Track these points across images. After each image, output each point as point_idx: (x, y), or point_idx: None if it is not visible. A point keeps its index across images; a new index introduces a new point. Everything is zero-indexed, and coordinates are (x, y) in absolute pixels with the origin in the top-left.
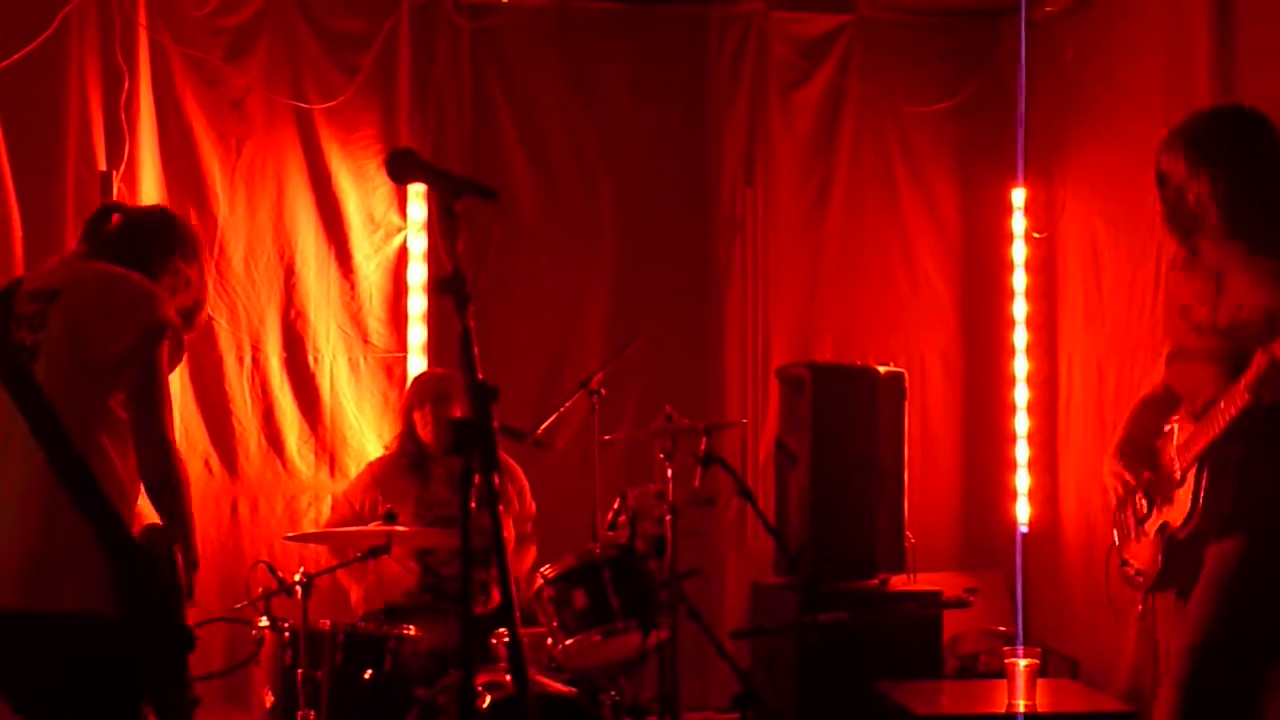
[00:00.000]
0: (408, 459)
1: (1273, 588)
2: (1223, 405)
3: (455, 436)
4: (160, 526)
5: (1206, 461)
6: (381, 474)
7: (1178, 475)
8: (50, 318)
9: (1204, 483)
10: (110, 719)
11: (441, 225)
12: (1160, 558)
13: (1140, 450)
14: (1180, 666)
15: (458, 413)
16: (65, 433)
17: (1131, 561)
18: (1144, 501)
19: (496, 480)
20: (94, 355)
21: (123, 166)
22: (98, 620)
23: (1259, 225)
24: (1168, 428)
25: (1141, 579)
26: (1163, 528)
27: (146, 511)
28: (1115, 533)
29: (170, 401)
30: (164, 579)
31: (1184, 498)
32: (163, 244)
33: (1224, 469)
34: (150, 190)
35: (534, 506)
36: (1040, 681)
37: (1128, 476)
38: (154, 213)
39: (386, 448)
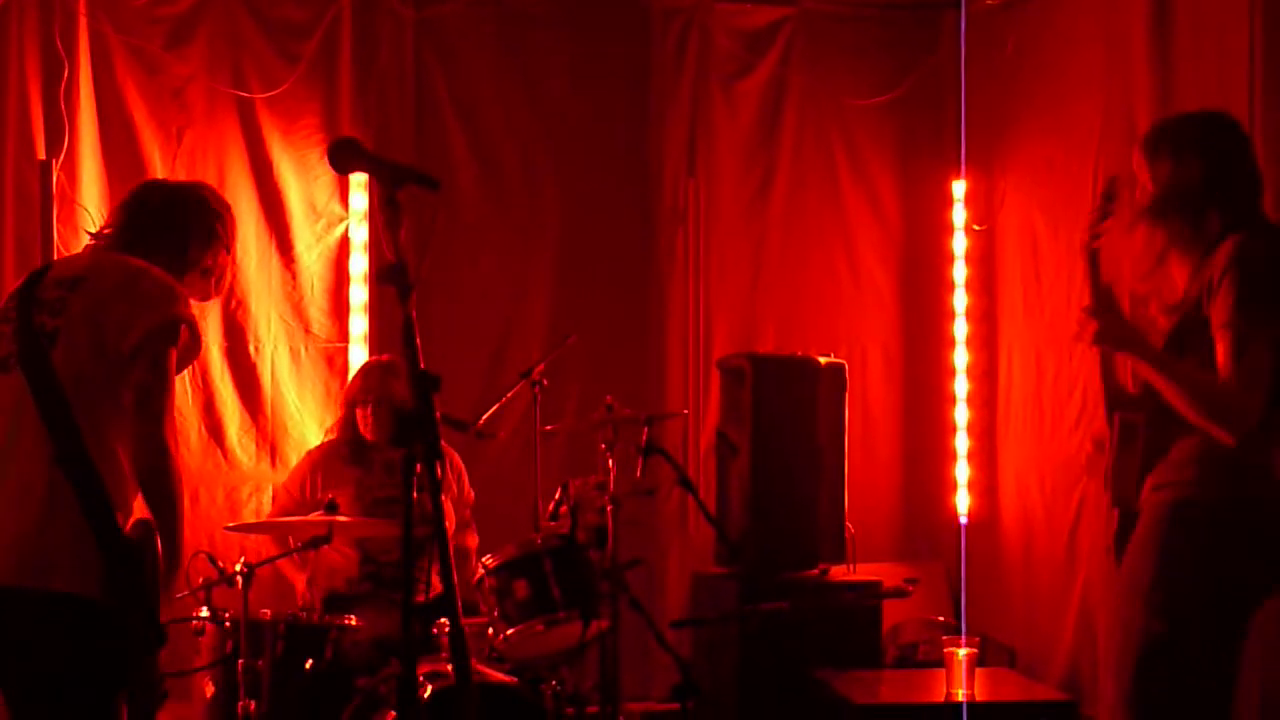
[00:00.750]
0: (348, 447)
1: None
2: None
3: (398, 427)
4: (149, 521)
5: (1114, 421)
6: (320, 460)
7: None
8: (70, 304)
9: (1114, 443)
10: (87, 703)
11: (384, 215)
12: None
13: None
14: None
15: (401, 396)
16: (73, 419)
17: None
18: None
19: (439, 469)
20: (110, 344)
21: (62, 155)
22: (83, 603)
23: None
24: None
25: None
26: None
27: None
28: None
29: (173, 400)
30: (146, 572)
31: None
32: (202, 222)
33: (1129, 431)
34: (90, 179)
35: (472, 493)
36: (979, 671)
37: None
38: (192, 190)
39: (327, 433)
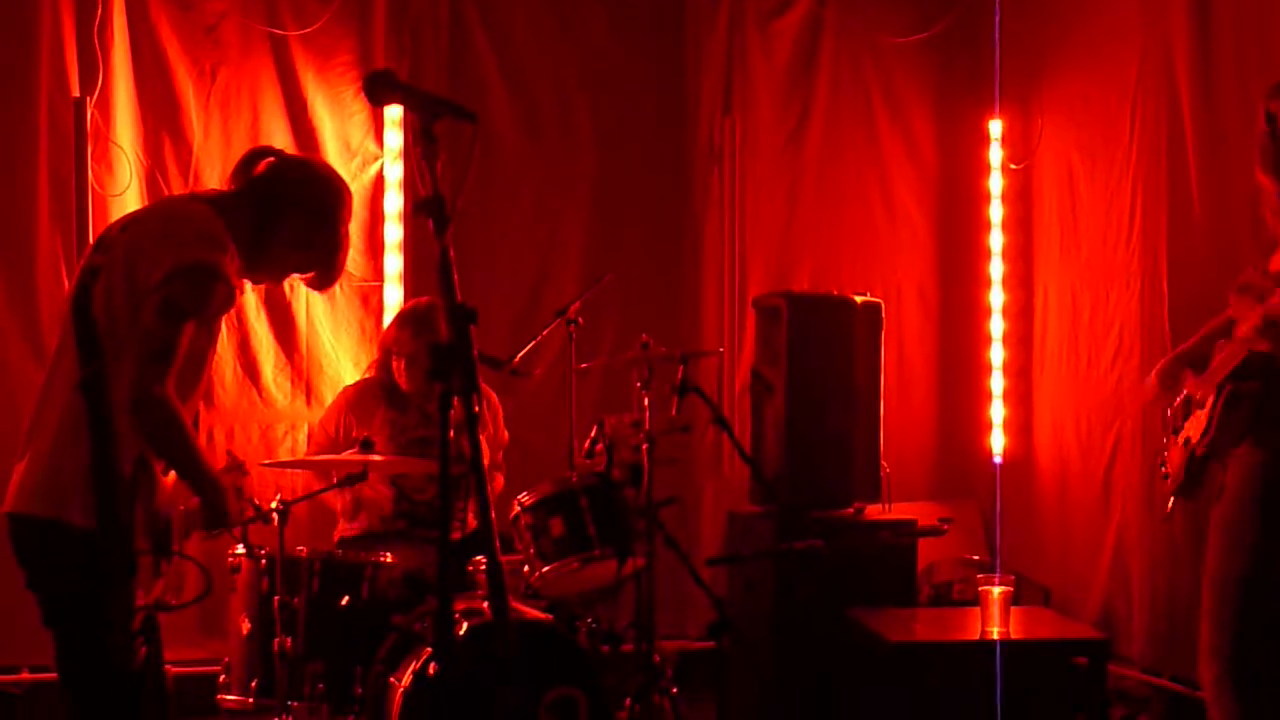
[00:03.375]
0: (383, 388)
1: None
2: (1237, 347)
3: (435, 360)
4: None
5: (1223, 391)
6: (355, 399)
7: (1199, 396)
8: (117, 243)
9: (1218, 409)
10: (82, 631)
11: (420, 147)
12: (1181, 469)
13: (1191, 364)
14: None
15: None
16: (100, 351)
17: (1166, 464)
18: (1181, 412)
19: (476, 404)
20: (140, 282)
21: (96, 93)
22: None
23: None
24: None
25: (1169, 481)
26: (1186, 441)
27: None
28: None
29: (180, 346)
30: (126, 505)
31: (1203, 418)
32: (291, 201)
33: (1237, 400)
34: (124, 117)
35: (507, 434)
36: (1013, 609)
37: (1158, 381)
38: (296, 166)
39: (365, 371)
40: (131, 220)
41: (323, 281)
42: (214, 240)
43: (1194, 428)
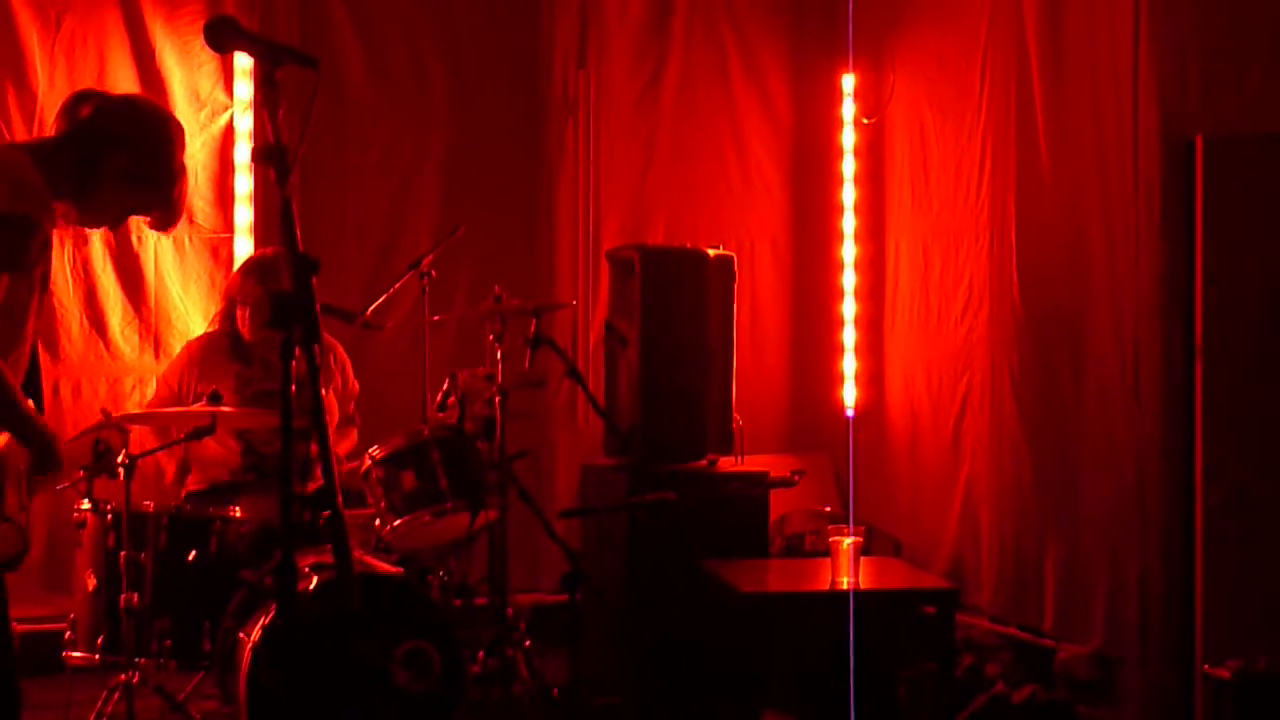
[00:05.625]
0: (228, 339)
1: None
2: None
3: (275, 310)
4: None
5: None
6: (199, 353)
7: None
8: None
9: None
10: None
11: (262, 94)
12: None
13: None
14: None
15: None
16: None
17: None
18: None
19: (318, 354)
20: None
21: None
22: None
23: None
24: None
25: None
26: None
27: None
28: None
29: None
30: None
31: None
32: (113, 137)
33: None
34: None
35: (356, 385)
36: (864, 560)
37: None
38: (118, 103)
39: (209, 324)
40: None
41: (164, 221)
42: (25, 187)
43: None
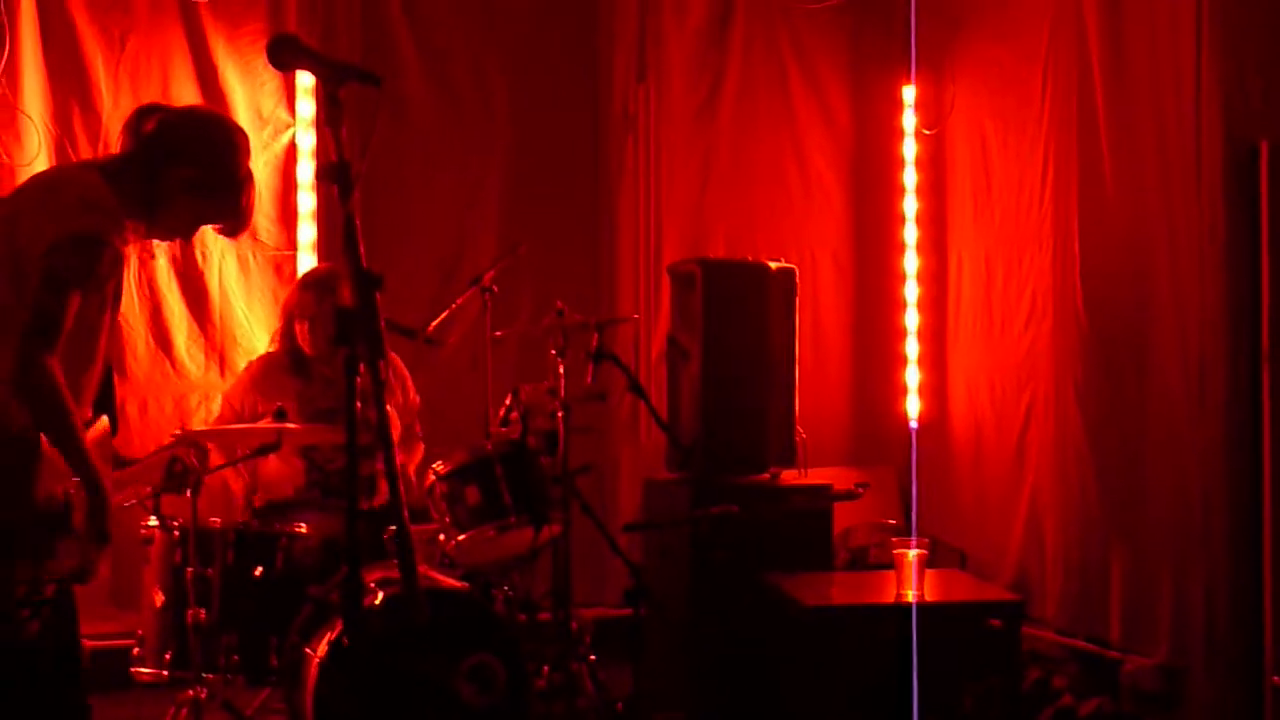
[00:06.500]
0: (288, 358)
1: None
2: None
3: (339, 325)
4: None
5: None
6: (260, 374)
7: None
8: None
9: None
10: None
11: (326, 113)
12: None
13: None
14: None
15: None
16: None
17: None
18: None
19: (382, 370)
20: (23, 255)
21: (3, 62)
22: None
23: None
24: None
25: None
26: None
27: None
28: None
29: (65, 319)
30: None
31: None
32: (178, 149)
33: None
34: (33, 87)
35: (418, 399)
36: (929, 572)
37: None
38: (181, 115)
39: (269, 345)
40: (15, 191)
41: (235, 228)
42: (95, 206)
43: None
